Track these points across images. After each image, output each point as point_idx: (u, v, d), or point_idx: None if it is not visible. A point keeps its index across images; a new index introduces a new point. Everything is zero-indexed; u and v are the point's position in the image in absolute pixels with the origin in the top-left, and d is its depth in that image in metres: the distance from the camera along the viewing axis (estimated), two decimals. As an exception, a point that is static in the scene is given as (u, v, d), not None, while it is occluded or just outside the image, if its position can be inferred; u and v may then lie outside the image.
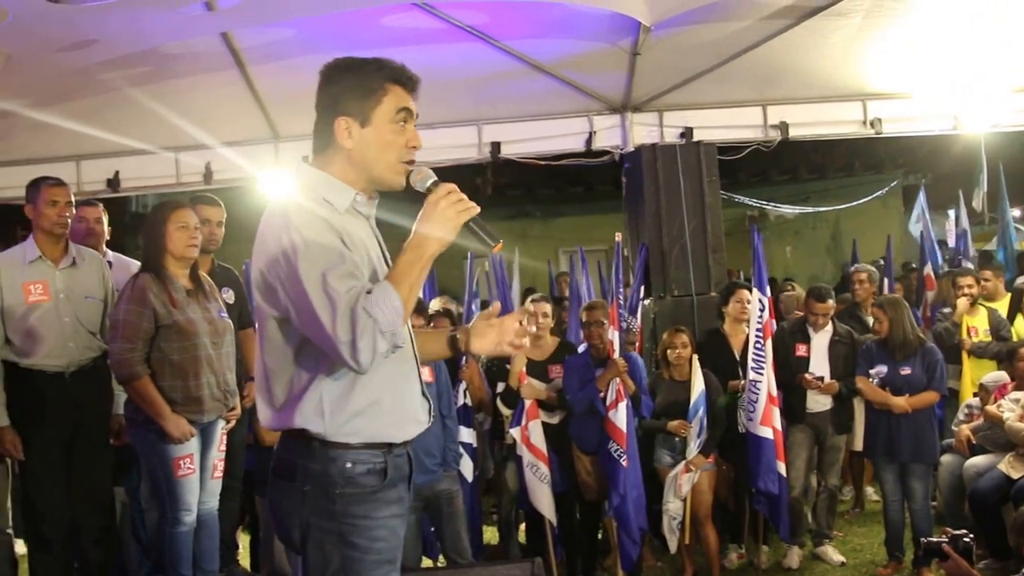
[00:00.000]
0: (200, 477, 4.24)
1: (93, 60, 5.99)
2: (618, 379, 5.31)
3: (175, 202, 4.39)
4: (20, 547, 5.15)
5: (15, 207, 7.17)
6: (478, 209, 2.20)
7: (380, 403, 2.24)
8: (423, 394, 2.41)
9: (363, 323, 2.03)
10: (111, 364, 4.25)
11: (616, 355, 5.40)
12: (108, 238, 5.31)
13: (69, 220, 4.62)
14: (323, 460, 2.21)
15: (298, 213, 2.15)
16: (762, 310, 5.70)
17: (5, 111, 6.79)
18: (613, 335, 5.47)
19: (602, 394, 5.37)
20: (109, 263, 4.97)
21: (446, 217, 2.16)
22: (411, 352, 2.38)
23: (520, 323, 2.41)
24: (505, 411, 5.64)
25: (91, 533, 4.61)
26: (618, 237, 6.22)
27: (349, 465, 2.21)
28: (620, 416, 5.31)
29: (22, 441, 4.44)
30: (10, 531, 4.90)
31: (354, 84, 2.26)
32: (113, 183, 7.18)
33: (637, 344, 6.40)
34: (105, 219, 5.28)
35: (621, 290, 5.86)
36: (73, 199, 4.69)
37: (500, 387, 5.70)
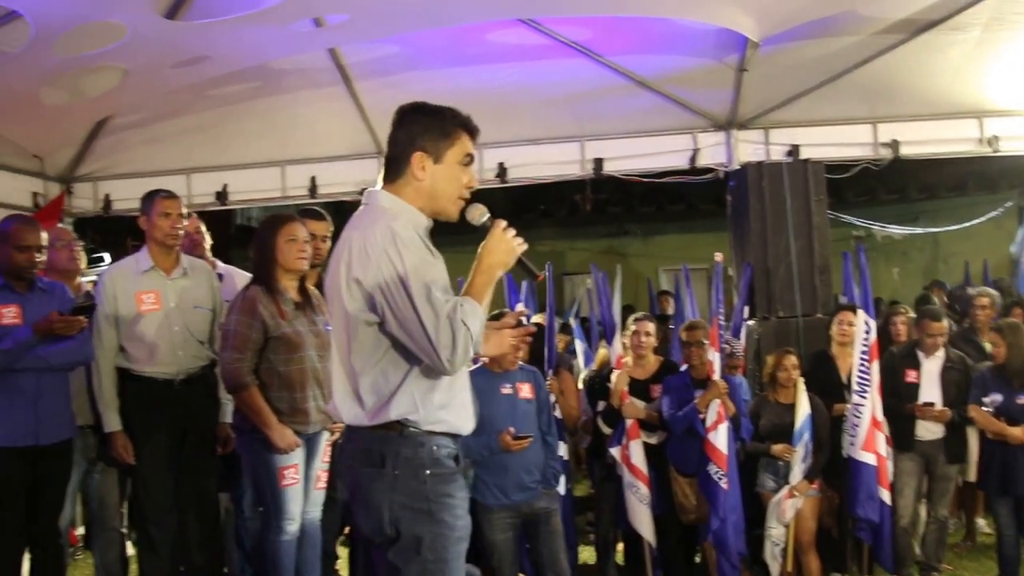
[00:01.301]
0: (304, 487, 4.26)
1: (205, 76, 6.18)
2: (718, 400, 5.19)
3: (286, 215, 4.44)
4: (131, 548, 5.29)
5: (127, 218, 7.48)
6: (526, 246, 2.59)
7: (454, 399, 2.61)
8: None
9: (462, 332, 2.39)
10: (221, 373, 4.32)
11: (716, 376, 5.27)
12: (209, 246, 5.42)
13: (181, 232, 4.72)
14: (413, 446, 2.52)
15: (404, 231, 2.47)
16: (868, 332, 5.51)
17: (120, 125, 7.07)
18: (713, 356, 5.34)
19: (702, 416, 5.24)
20: (219, 275, 5.07)
21: (508, 248, 2.56)
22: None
23: (518, 322, 2.81)
24: (606, 430, 5.57)
25: (196, 537, 4.68)
26: (718, 257, 6.09)
27: (435, 448, 2.54)
28: (720, 438, 5.19)
29: (133, 446, 4.54)
30: (124, 530, 5.04)
31: (432, 125, 2.60)
32: (221, 196, 7.38)
33: (742, 366, 6.24)
34: (203, 228, 5.38)
35: (721, 310, 5.73)
36: (185, 211, 4.79)
37: (601, 406, 5.62)
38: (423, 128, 2.60)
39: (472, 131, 2.66)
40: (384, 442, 2.53)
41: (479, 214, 2.61)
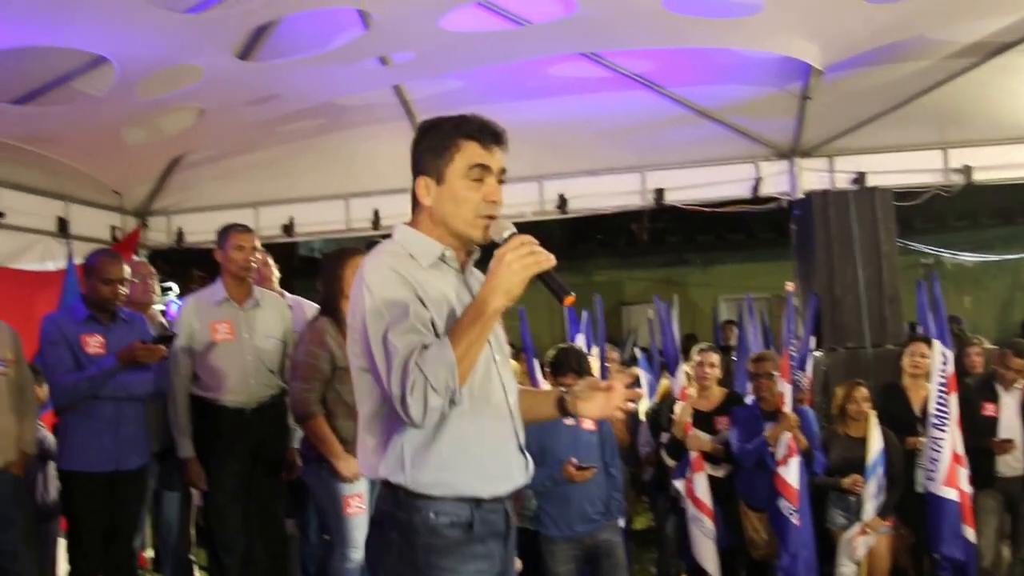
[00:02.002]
0: (368, 516, 4.32)
1: (275, 113, 6.37)
2: (789, 433, 5.11)
3: (352, 248, 4.54)
4: (197, 572, 5.41)
5: (195, 250, 7.70)
6: (551, 262, 2.10)
7: (466, 457, 2.22)
8: (520, 450, 2.37)
9: (413, 378, 2.03)
10: (290, 402, 4.41)
11: (787, 408, 5.20)
12: (277, 278, 5.55)
13: (254, 264, 4.86)
14: (408, 509, 2.21)
15: (374, 270, 2.19)
16: (944, 363, 5.38)
17: (193, 161, 7.32)
18: (784, 387, 5.27)
19: (771, 448, 5.17)
20: (288, 306, 5.19)
21: (510, 271, 2.08)
22: (506, 408, 2.34)
23: (627, 386, 2.42)
24: (669, 462, 5.52)
25: (264, 563, 4.76)
26: (789, 287, 6.02)
27: (432, 515, 2.20)
28: (791, 472, 5.09)
29: (205, 472, 4.67)
30: (192, 557, 5.15)
31: (430, 144, 2.30)
32: (288, 228, 7.54)
33: (808, 398, 6.14)
34: (270, 259, 5.51)
35: (793, 341, 5.65)
36: (258, 244, 4.92)
37: (664, 437, 5.58)
38: (422, 149, 2.31)
39: (481, 136, 2.29)
40: (385, 500, 2.28)
41: (499, 229, 2.22)
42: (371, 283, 2.16)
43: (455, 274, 2.34)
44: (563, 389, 2.52)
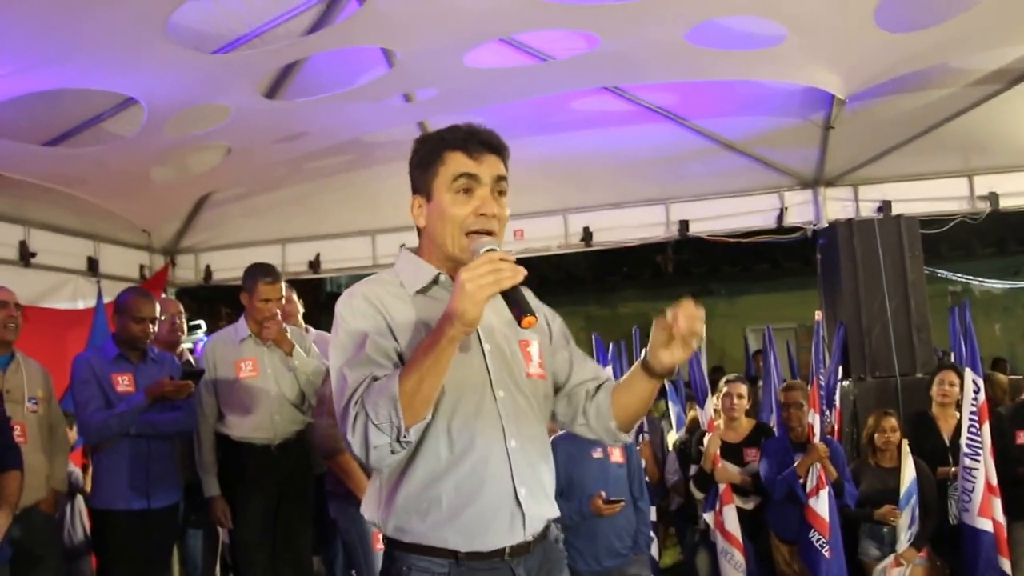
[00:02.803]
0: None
1: (301, 150, 6.45)
2: (819, 465, 5.06)
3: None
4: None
5: (223, 287, 7.76)
6: (514, 279, 1.80)
7: (436, 503, 1.95)
8: (517, 502, 1.99)
9: (353, 413, 1.85)
10: (315, 438, 4.42)
11: (817, 439, 5.15)
12: (301, 314, 5.56)
13: (278, 312, 4.87)
14: (388, 558, 2.02)
15: (346, 300, 2.03)
16: (976, 392, 5.32)
17: (221, 199, 7.41)
18: (813, 418, 5.23)
19: (801, 480, 5.12)
20: (312, 341, 5.21)
21: (464, 294, 1.77)
22: (501, 451, 2.00)
23: (692, 305, 2.00)
24: (698, 495, 5.48)
25: (291, 601, 4.76)
26: (818, 316, 5.99)
27: (405, 569, 1.97)
28: (822, 504, 5.05)
29: (231, 510, 4.68)
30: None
31: (418, 159, 2.10)
32: (314, 265, 7.60)
33: (836, 429, 6.07)
34: (294, 295, 5.53)
35: (821, 371, 5.61)
36: (284, 290, 4.92)
37: (692, 470, 5.54)
38: (412, 166, 2.11)
39: (465, 146, 2.03)
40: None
41: (477, 247, 1.94)
42: (341, 313, 2.01)
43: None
44: (644, 352, 2.16)
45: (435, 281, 2.07)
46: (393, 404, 1.81)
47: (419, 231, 2.13)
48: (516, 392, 2.06)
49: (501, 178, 2.04)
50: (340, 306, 2.02)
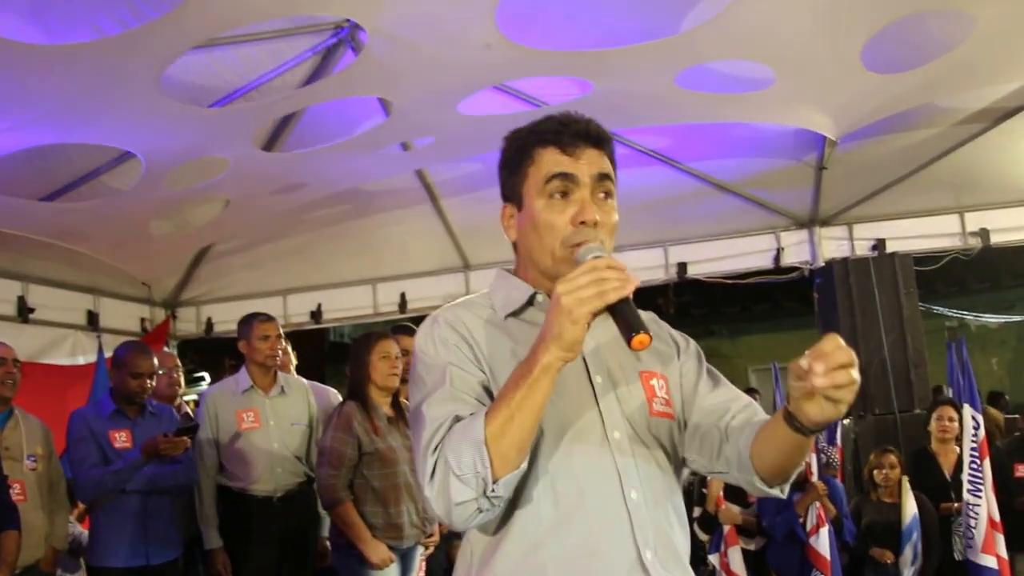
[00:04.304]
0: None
1: (301, 201, 6.49)
2: (818, 503, 5.05)
3: (379, 334, 4.58)
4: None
5: (226, 339, 7.75)
6: (622, 291, 1.45)
7: (538, 572, 1.56)
8: (642, 568, 1.57)
9: (432, 462, 1.51)
10: (317, 489, 4.41)
11: (815, 478, 5.15)
12: (295, 366, 5.56)
13: (279, 352, 4.90)
14: None
15: (427, 328, 1.70)
16: (976, 428, 5.33)
17: (221, 251, 7.44)
18: (810, 457, 5.22)
19: (801, 519, 5.11)
20: (310, 392, 5.22)
21: (560, 309, 1.43)
22: (620, 506, 1.60)
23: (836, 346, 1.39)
24: (703, 536, 5.45)
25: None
26: None
27: None
28: (822, 542, 5.07)
29: (233, 562, 4.63)
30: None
31: (504, 161, 1.76)
32: (316, 315, 7.61)
33: (839, 470, 6.05)
34: (289, 348, 5.54)
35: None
36: (282, 332, 4.97)
37: (697, 511, 5.52)
38: (500, 170, 1.78)
39: (560, 137, 1.68)
40: None
41: (581, 254, 1.57)
42: (420, 344, 1.69)
43: None
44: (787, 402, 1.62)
45: (531, 302, 1.72)
46: (478, 450, 1.46)
47: (514, 247, 1.79)
48: (635, 434, 1.65)
49: (604, 176, 1.67)
50: (419, 336, 1.70)
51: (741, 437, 1.67)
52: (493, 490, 1.47)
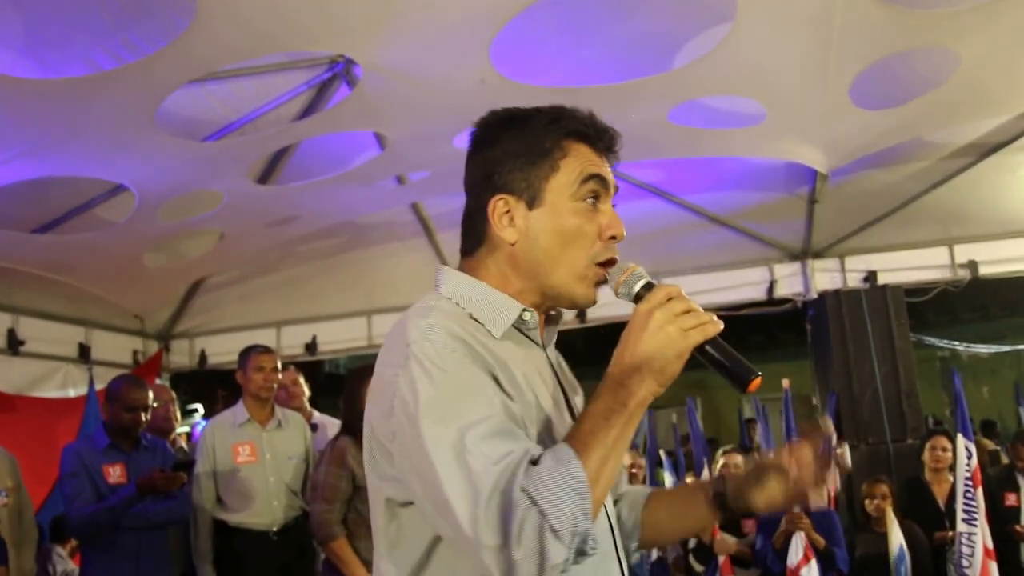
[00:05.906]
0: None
1: (295, 234, 6.51)
2: (803, 535, 5.04)
3: (373, 366, 4.56)
4: None
5: (220, 372, 7.73)
6: (719, 325, 1.33)
7: None
8: None
9: (521, 515, 1.19)
10: (311, 524, 4.38)
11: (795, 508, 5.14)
12: (307, 397, 5.57)
13: (275, 385, 4.88)
14: None
15: (424, 338, 1.34)
16: (969, 457, 5.36)
17: (215, 284, 7.44)
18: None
19: (779, 549, 5.11)
20: (314, 425, 5.20)
21: (665, 338, 1.29)
22: (611, 552, 1.48)
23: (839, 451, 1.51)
24: (697, 567, 5.44)
25: None
26: (785, 384, 6.06)
27: None
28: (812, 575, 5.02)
29: (228, 597, 4.60)
30: None
31: (515, 145, 1.48)
32: (311, 347, 7.58)
33: (832, 497, 6.06)
34: (301, 379, 5.55)
35: (794, 439, 5.61)
36: (279, 364, 4.97)
37: (692, 543, 5.51)
38: (503, 152, 1.48)
39: (595, 136, 1.50)
40: None
41: (628, 278, 1.42)
42: (423, 354, 1.32)
43: (536, 348, 1.53)
44: (718, 477, 1.70)
45: (518, 322, 1.48)
46: (582, 499, 1.21)
47: (477, 243, 1.52)
48: None
49: (616, 189, 1.52)
50: (415, 344, 1.34)
51: (629, 503, 1.69)
52: (593, 547, 1.23)
